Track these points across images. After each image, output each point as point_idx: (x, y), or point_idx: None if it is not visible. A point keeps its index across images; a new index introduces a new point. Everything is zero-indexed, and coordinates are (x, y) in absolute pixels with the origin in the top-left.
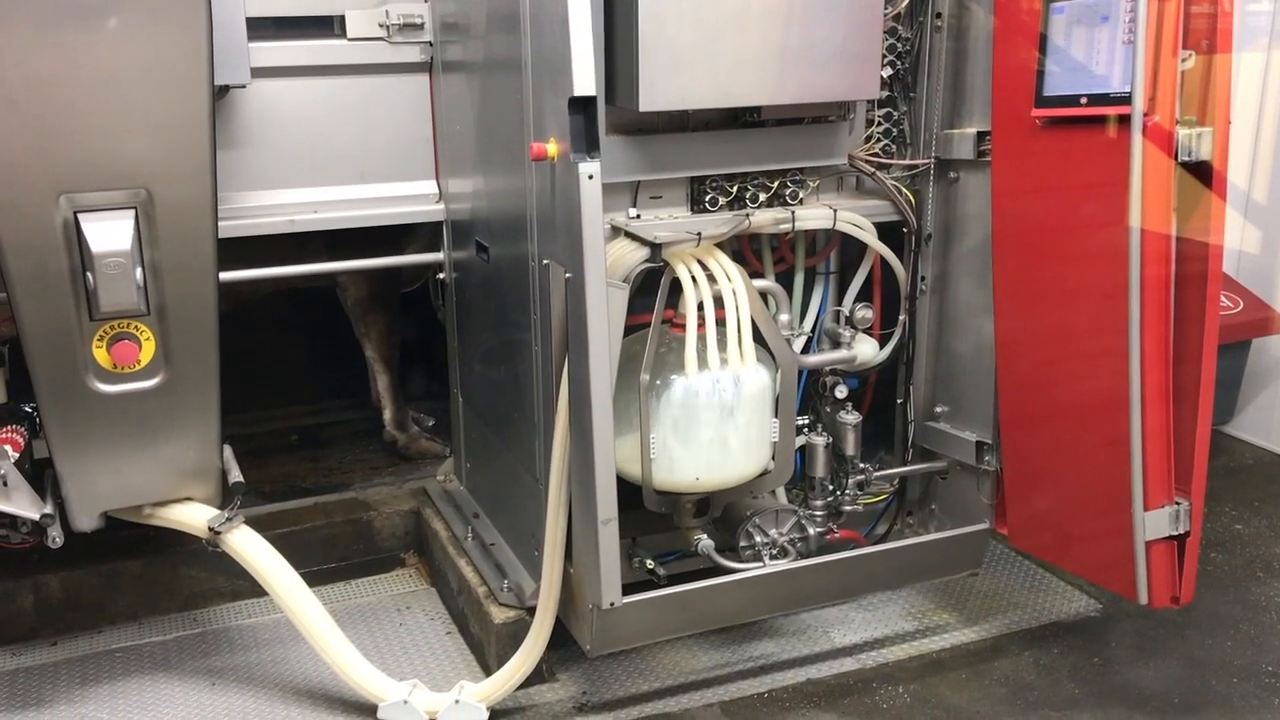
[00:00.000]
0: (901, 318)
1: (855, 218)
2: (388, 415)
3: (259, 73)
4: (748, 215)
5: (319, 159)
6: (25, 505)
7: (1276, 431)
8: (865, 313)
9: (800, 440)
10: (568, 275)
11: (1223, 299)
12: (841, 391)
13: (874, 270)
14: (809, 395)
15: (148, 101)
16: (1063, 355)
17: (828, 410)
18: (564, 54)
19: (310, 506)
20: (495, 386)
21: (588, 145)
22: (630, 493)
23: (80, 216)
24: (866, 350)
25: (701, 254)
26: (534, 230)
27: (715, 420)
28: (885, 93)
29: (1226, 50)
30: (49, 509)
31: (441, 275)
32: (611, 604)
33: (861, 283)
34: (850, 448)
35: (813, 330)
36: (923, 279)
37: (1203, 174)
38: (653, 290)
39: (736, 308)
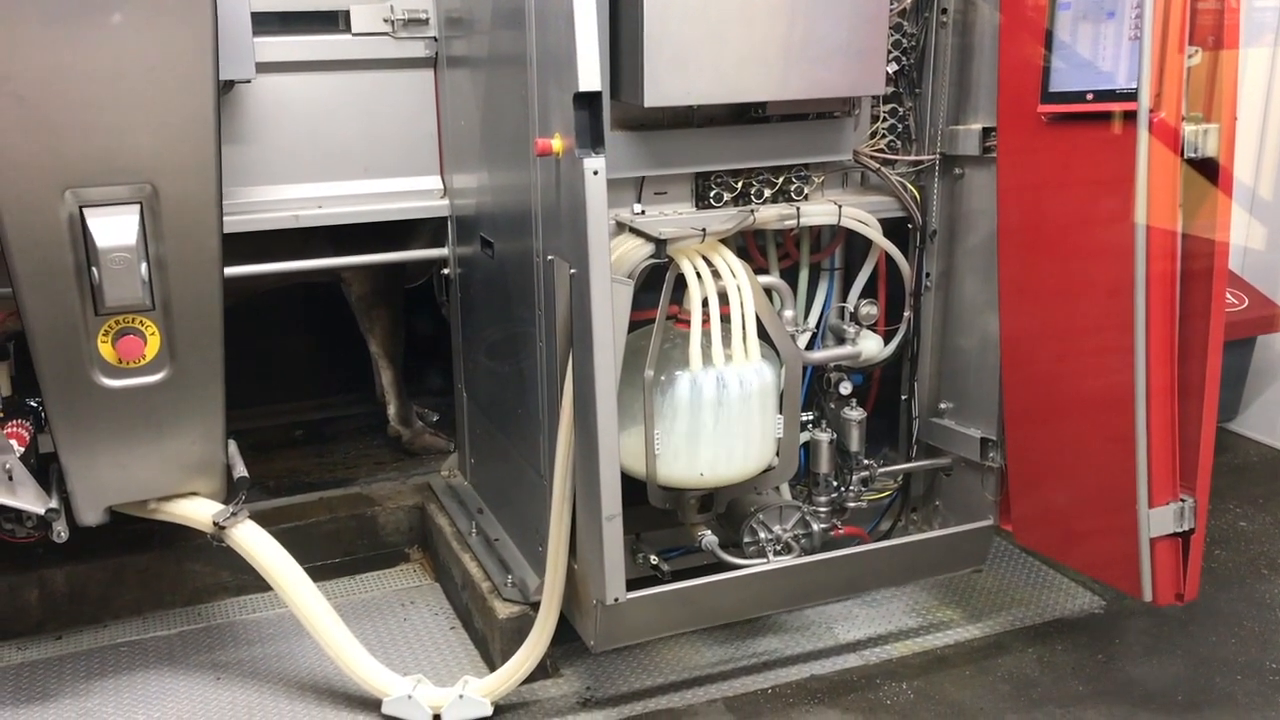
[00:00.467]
0: (906, 314)
1: (860, 214)
2: (392, 410)
3: (263, 67)
4: (752, 211)
5: (323, 154)
6: (31, 499)
7: None
8: (870, 309)
9: (805, 436)
10: (572, 271)
11: (1228, 296)
12: (846, 388)
13: (879, 266)
14: (813, 391)
15: (153, 96)
16: (1068, 351)
17: (832, 406)
18: (569, 49)
19: (315, 501)
20: (500, 382)
21: (593, 141)
22: (634, 488)
23: (85, 211)
24: (871, 346)
25: (706, 250)
26: (539, 226)
27: (720, 416)
28: (890, 88)
29: (1233, 46)
30: (54, 503)
31: (446, 271)
32: (616, 599)
33: (866, 279)
34: (855, 444)
35: (817, 326)
36: (927, 275)
37: (1208, 170)
38: (657, 286)
39: (741, 304)
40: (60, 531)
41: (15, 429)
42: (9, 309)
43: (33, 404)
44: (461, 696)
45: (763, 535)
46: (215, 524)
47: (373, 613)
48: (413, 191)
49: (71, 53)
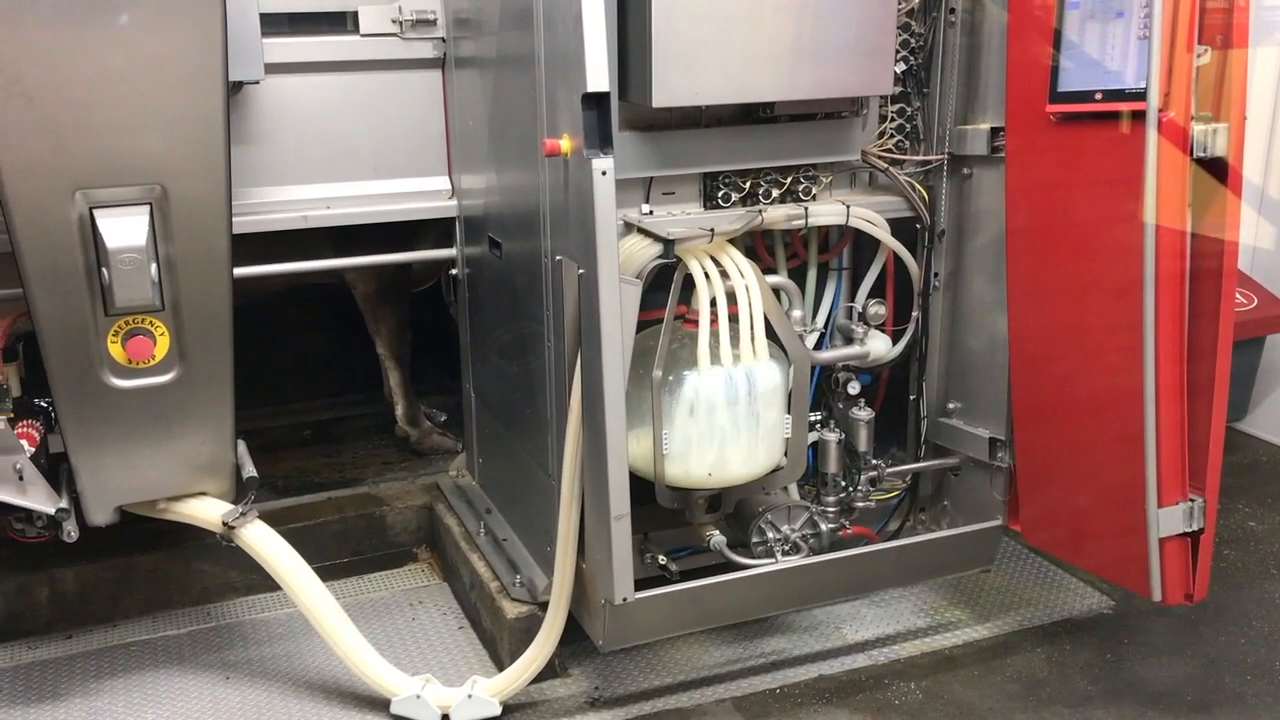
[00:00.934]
0: (914, 314)
1: (868, 213)
2: (400, 411)
3: (272, 68)
4: (760, 211)
5: (332, 155)
6: (41, 499)
7: None
8: (878, 309)
9: (813, 436)
10: (581, 271)
11: (1237, 295)
12: (854, 387)
13: (887, 266)
14: (821, 391)
15: (162, 98)
16: (1077, 351)
17: (840, 406)
18: (577, 50)
19: (323, 501)
20: (508, 382)
21: (601, 141)
22: (642, 488)
23: (95, 212)
24: (879, 346)
25: (714, 250)
26: (547, 226)
27: (728, 416)
28: (898, 88)
29: (1242, 45)
30: (64, 503)
31: (454, 271)
32: (624, 599)
33: (874, 279)
34: (863, 444)
35: (825, 326)
36: (936, 275)
37: (1218, 170)
38: (665, 286)
39: (749, 304)
40: (70, 531)
41: (25, 429)
42: (19, 310)
43: (42, 404)
44: (470, 696)
45: (771, 535)
46: (224, 524)
47: (381, 612)
48: (421, 192)
49: (81, 54)
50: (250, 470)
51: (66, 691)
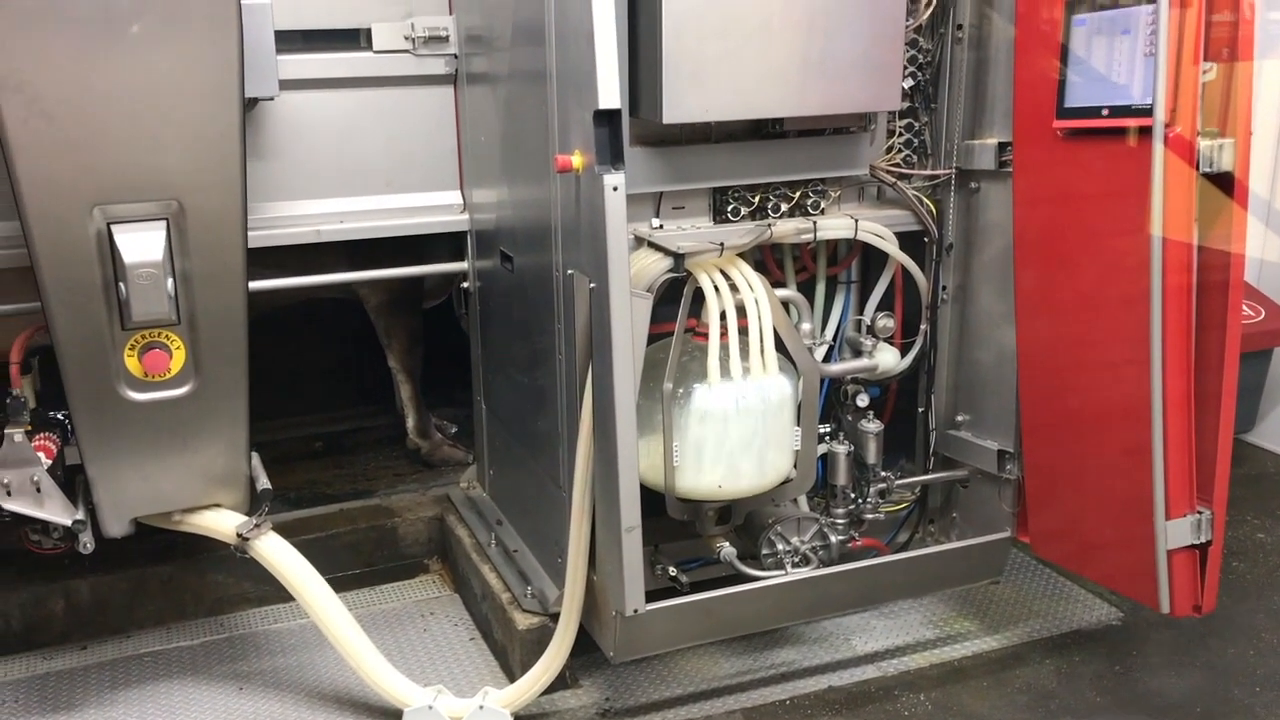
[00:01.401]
0: (923, 327)
1: (876, 227)
2: (411, 423)
3: (286, 85)
4: (769, 225)
5: (345, 170)
6: (58, 511)
7: None
8: (886, 322)
9: (822, 448)
10: (592, 285)
11: (1244, 308)
12: (863, 400)
13: (895, 279)
14: (830, 404)
15: (180, 114)
16: (1084, 364)
17: (849, 419)
18: (589, 67)
19: (335, 513)
20: (519, 394)
21: (613, 157)
22: (652, 500)
23: (113, 227)
24: (888, 359)
25: (724, 264)
26: (558, 240)
27: (737, 428)
28: (906, 104)
29: (1247, 60)
30: (81, 515)
31: (465, 284)
32: (635, 611)
33: (883, 292)
34: (872, 456)
35: (834, 339)
36: (944, 288)
37: (1224, 184)
38: (675, 299)
39: (759, 317)
40: (86, 543)
41: (42, 442)
42: (37, 324)
43: (59, 417)
44: (482, 707)
45: (781, 547)
46: (239, 535)
47: (393, 623)
48: (433, 207)
49: (99, 72)
50: (264, 482)
51: (81, 702)
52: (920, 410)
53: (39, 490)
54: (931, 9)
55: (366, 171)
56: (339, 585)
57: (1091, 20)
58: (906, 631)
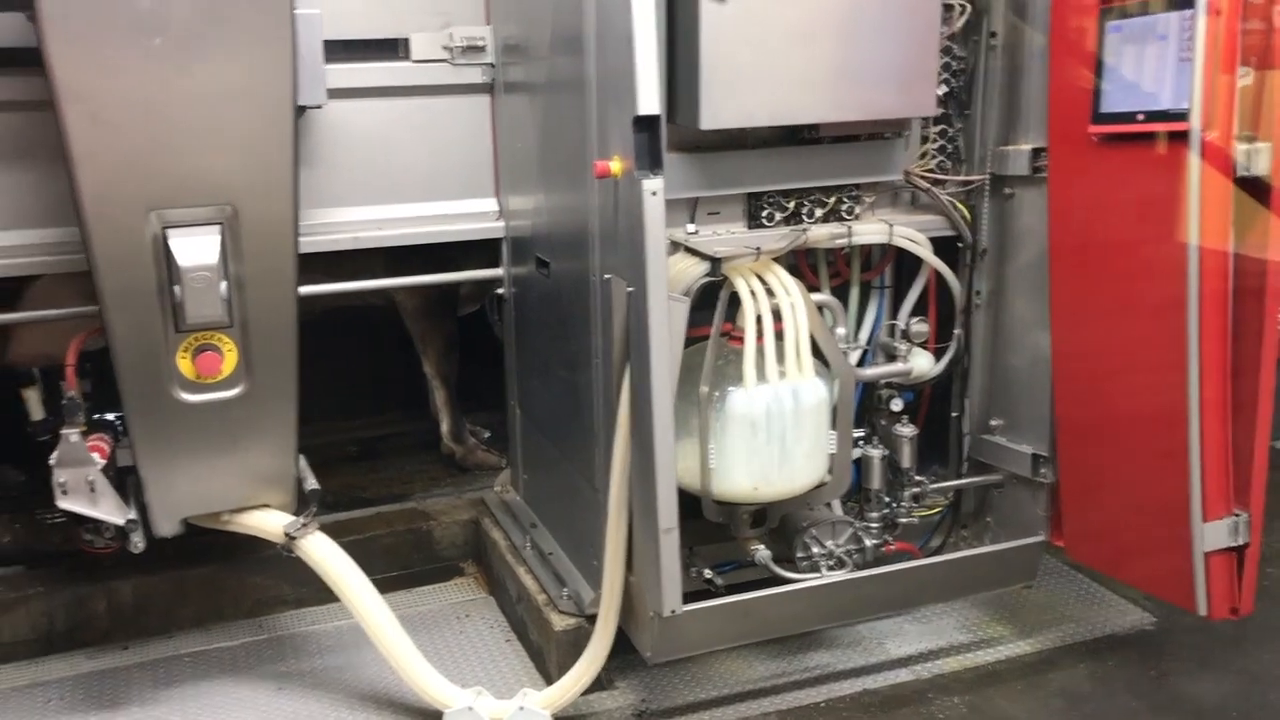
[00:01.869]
0: (956, 331)
1: (911, 233)
2: (445, 427)
3: (329, 93)
4: (805, 230)
5: (383, 177)
6: (111, 510)
7: None
8: (920, 326)
9: (856, 452)
10: (630, 289)
11: None
12: (897, 404)
13: (929, 284)
14: (864, 408)
15: (235, 122)
16: (1120, 368)
17: (883, 423)
18: (629, 74)
19: (372, 516)
20: (554, 398)
21: (652, 163)
22: (687, 502)
23: (169, 232)
24: (922, 363)
25: (760, 268)
26: (595, 245)
27: (773, 432)
28: (940, 110)
29: None
30: (133, 514)
31: (500, 290)
32: (673, 612)
33: (916, 297)
34: (906, 460)
35: (868, 343)
36: (977, 293)
37: (1260, 190)
38: (710, 304)
39: (795, 321)
40: (138, 542)
41: (96, 442)
42: (91, 327)
43: (111, 418)
44: (522, 709)
45: (815, 550)
46: (286, 535)
47: (430, 625)
48: (469, 214)
49: (158, 81)
50: (312, 483)
51: (125, 701)
52: (954, 415)
53: (93, 490)
54: (965, 17)
55: (404, 179)
56: (376, 587)
57: (1126, 26)
58: (940, 635)
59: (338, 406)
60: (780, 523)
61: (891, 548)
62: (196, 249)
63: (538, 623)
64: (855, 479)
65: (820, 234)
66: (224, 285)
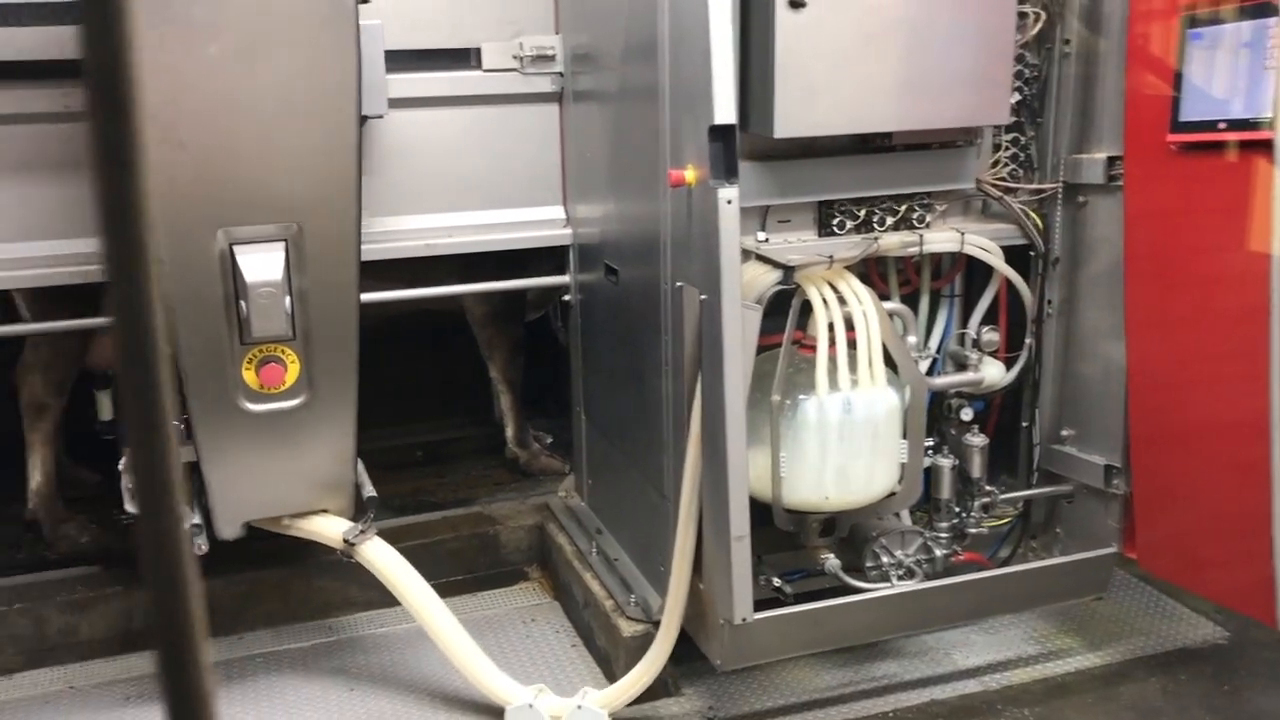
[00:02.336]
0: (1027, 341)
1: (983, 241)
2: (510, 433)
3: (397, 103)
4: (876, 238)
5: (451, 185)
6: None
7: None
8: (992, 335)
9: (926, 462)
10: (703, 297)
11: None
12: (967, 414)
13: (999, 293)
14: (934, 417)
15: (301, 138)
16: (1198, 379)
17: (953, 432)
18: (705, 83)
19: (438, 520)
20: (621, 405)
21: (727, 172)
22: (756, 510)
23: (236, 248)
24: (993, 373)
25: (832, 276)
26: (667, 254)
27: (845, 440)
28: (1013, 118)
29: None
30: (197, 518)
31: (567, 297)
32: (743, 619)
33: (987, 306)
34: (976, 470)
35: (937, 352)
36: (1049, 302)
37: None
38: (780, 312)
39: (867, 329)
40: (201, 544)
41: None
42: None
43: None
44: (580, 707)
45: (885, 560)
46: (345, 540)
47: (495, 629)
48: (537, 221)
49: (227, 100)
50: (370, 489)
51: None
52: (1024, 425)
53: None
54: (1039, 25)
55: (472, 187)
56: (442, 591)
57: (1208, 34)
58: (1008, 646)
59: (403, 411)
60: (849, 532)
61: (960, 558)
62: (262, 265)
63: (605, 628)
64: (924, 489)
65: (892, 242)
66: (288, 300)
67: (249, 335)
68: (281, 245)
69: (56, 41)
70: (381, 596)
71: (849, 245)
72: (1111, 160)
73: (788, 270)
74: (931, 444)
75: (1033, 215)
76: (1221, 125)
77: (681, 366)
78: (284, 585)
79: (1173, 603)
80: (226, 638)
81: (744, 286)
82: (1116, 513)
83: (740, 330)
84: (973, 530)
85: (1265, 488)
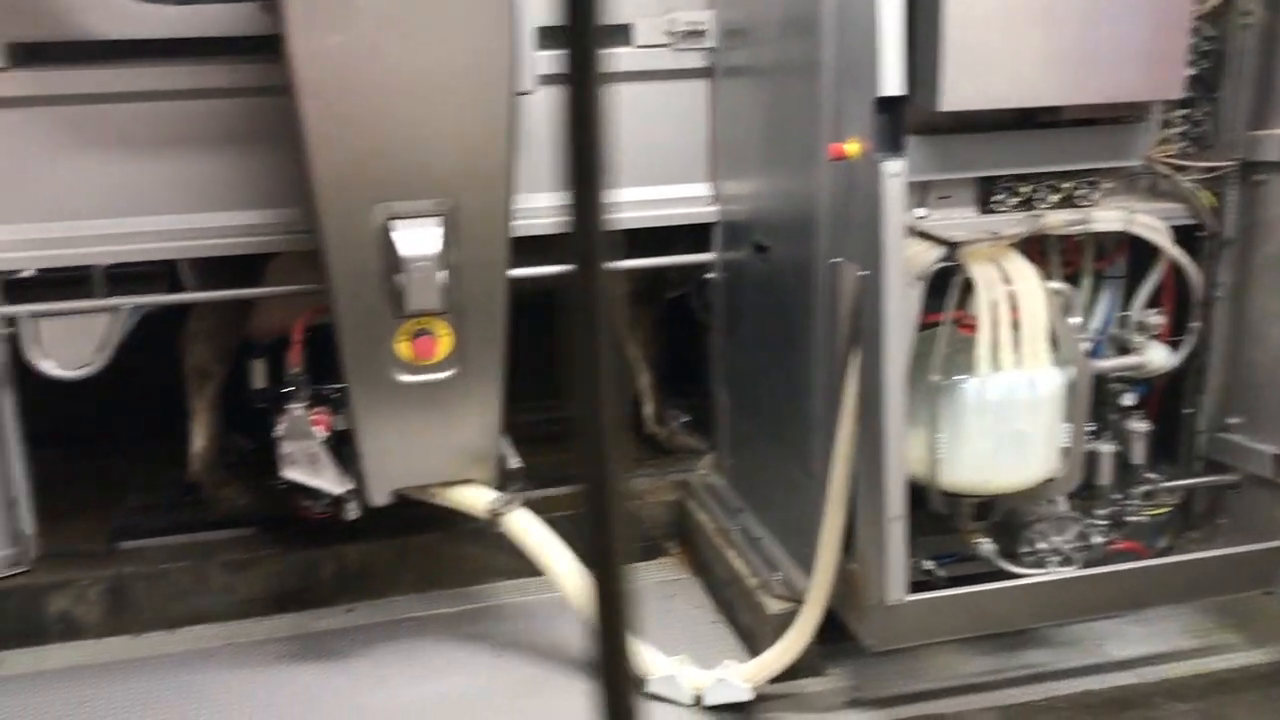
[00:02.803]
0: (1194, 324)
1: (1151, 220)
2: (649, 410)
3: (544, 80)
4: (1040, 216)
5: None
6: (331, 481)
7: None
8: (1157, 318)
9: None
10: (863, 273)
11: None
12: (1130, 398)
13: (1165, 275)
14: (1094, 402)
15: (459, 115)
16: None
17: (1114, 417)
18: (871, 55)
19: (577, 494)
20: (767, 383)
21: (894, 145)
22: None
23: (393, 223)
24: (1157, 357)
25: (996, 254)
26: (824, 230)
27: (1005, 422)
28: (1186, 92)
29: None
30: (351, 484)
31: (711, 274)
32: (897, 600)
33: (1152, 288)
34: (1138, 456)
35: (1099, 334)
36: (1218, 285)
37: None
38: (938, 290)
39: (1031, 309)
40: (353, 510)
41: (319, 415)
42: (315, 305)
43: (330, 392)
44: (721, 680)
45: (1041, 546)
46: (491, 510)
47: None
48: (682, 198)
49: (387, 76)
50: (514, 461)
51: (351, 657)
52: (1186, 411)
53: (315, 461)
54: None
55: (618, 164)
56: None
57: None
58: (1163, 639)
59: (537, 387)
60: (1004, 516)
61: (1117, 546)
62: (419, 240)
63: (749, 606)
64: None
65: (1056, 220)
66: (442, 274)
67: (405, 309)
68: (438, 221)
69: (232, 18)
70: (524, 565)
71: (1013, 222)
72: None
73: (951, 247)
74: (1092, 429)
75: (1204, 194)
76: None
77: (835, 344)
78: (431, 551)
79: None
80: (376, 601)
81: (905, 263)
82: None
83: (903, 307)
84: (1131, 518)
85: None
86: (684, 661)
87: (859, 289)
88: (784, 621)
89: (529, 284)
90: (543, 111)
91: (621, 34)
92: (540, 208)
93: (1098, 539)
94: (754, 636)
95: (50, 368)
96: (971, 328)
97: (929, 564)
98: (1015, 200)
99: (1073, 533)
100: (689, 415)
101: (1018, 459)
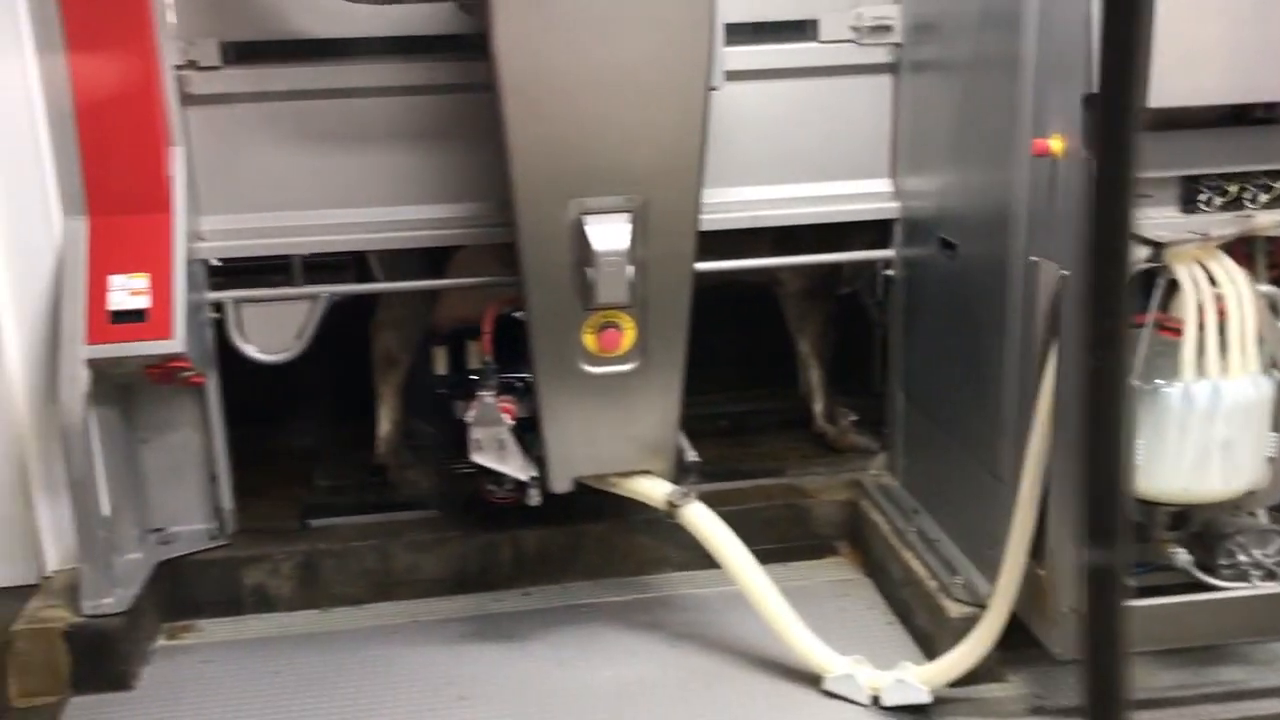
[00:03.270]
0: None
1: None
2: (818, 408)
3: (731, 76)
4: (1251, 216)
5: (777, 158)
6: (517, 467)
7: None
8: None
9: None
10: (1064, 273)
11: None
12: None
13: None
14: None
15: (653, 112)
16: None
17: None
18: (1079, 51)
19: (751, 488)
20: (951, 383)
21: None
22: None
23: (585, 218)
24: None
25: (1203, 255)
26: (1021, 227)
27: (1209, 430)
28: None
29: None
30: (536, 471)
31: (890, 272)
32: None
33: None
34: None
35: None
36: None
37: None
38: (1140, 292)
39: (1240, 312)
40: (535, 496)
41: (505, 403)
42: (503, 296)
43: (515, 381)
44: (900, 681)
45: (1242, 559)
46: (669, 502)
47: (808, 600)
48: (862, 194)
49: (586, 74)
50: (692, 454)
51: (528, 639)
52: None
53: (503, 448)
54: None
55: (799, 159)
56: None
57: None
58: None
59: (709, 381)
60: (1201, 527)
61: None
62: (610, 235)
63: (928, 608)
64: None
65: (1268, 220)
66: (630, 269)
67: (593, 301)
68: (628, 217)
69: (431, 18)
70: (695, 558)
71: (1221, 222)
72: None
73: (1157, 247)
74: None
75: None
76: None
77: (1031, 345)
78: (605, 540)
79: None
80: (551, 586)
81: None
82: None
83: None
84: None
85: None
86: (860, 661)
87: (1060, 288)
88: (964, 626)
89: (710, 278)
90: (728, 107)
91: (806, 29)
92: (721, 203)
93: None
94: (931, 639)
95: (252, 351)
96: (1174, 331)
97: None
98: (1221, 199)
99: (1275, 546)
100: (857, 415)
101: (1221, 469)
